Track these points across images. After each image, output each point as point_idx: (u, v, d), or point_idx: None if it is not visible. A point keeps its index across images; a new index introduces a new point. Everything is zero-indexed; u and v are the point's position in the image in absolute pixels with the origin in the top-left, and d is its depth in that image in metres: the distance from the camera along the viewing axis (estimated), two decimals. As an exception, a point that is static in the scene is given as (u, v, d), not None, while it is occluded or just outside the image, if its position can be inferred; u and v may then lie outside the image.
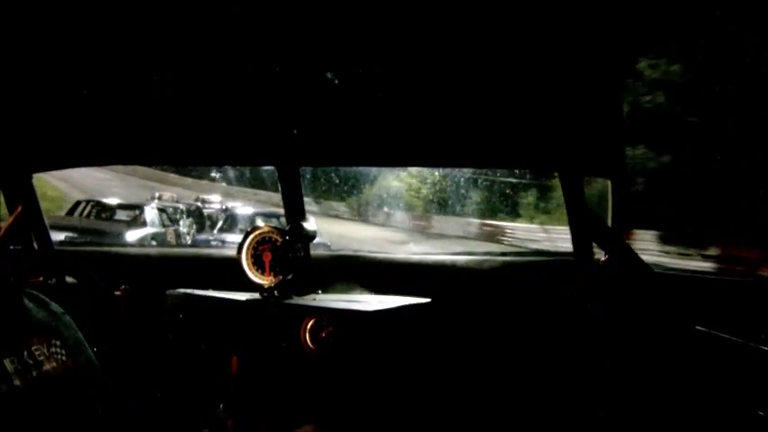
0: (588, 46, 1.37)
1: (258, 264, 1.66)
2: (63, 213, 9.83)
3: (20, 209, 1.82)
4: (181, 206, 12.13)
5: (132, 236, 8.50)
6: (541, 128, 1.60)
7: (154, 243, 8.83)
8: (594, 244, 1.71)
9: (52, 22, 1.32)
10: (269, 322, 1.58)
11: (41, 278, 1.58)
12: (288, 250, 1.65)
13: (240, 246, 1.67)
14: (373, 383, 1.58)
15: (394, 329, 1.59)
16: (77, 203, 9.63)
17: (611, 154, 1.64)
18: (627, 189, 1.74)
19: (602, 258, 1.74)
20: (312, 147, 1.74)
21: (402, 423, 1.59)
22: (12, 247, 1.87)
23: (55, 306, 1.25)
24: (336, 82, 1.59)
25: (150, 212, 9.47)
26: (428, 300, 1.69)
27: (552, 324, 1.69)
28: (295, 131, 1.68)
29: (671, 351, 1.49)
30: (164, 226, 9.71)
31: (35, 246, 1.87)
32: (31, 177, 1.83)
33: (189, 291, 1.70)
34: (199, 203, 14.49)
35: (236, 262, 1.66)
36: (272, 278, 1.65)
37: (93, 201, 9.82)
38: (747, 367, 1.31)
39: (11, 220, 1.82)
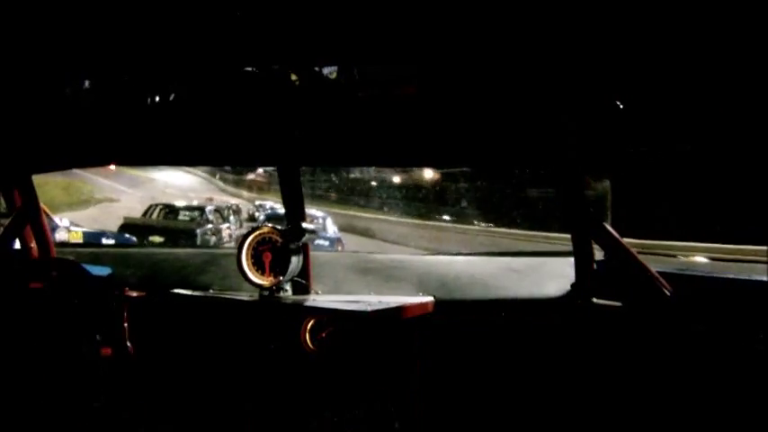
0: (589, 45, 1.37)
1: (258, 264, 1.66)
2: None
3: (19, 209, 1.82)
4: (231, 206, 14.41)
5: (198, 232, 10.40)
6: (541, 128, 1.60)
7: (214, 238, 10.81)
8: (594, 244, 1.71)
9: (52, 22, 1.32)
10: (269, 322, 1.58)
11: (41, 279, 1.58)
12: (288, 250, 1.65)
13: (240, 246, 1.67)
14: (373, 383, 1.58)
15: (394, 329, 1.59)
16: (150, 206, 11.55)
17: (610, 154, 1.64)
18: (627, 189, 1.74)
19: (602, 258, 1.74)
20: (312, 147, 1.74)
21: (402, 423, 1.59)
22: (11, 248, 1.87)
23: None
24: (336, 82, 1.59)
25: (209, 212, 11.50)
26: (428, 299, 1.69)
27: (552, 324, 1.69)
28: (295, 132, 1.68)
29: (672, 352, 1.49)
30: (219, 223, 11.62)
31: (35, 246, 1.86)
32: (31, 177, 1.83)
33: (190, 291, 1.70)
34: (237, 203, 16.40)
35: (236, 261, 1.66)
36: (271, 278, 1.65)
37: (161, 204, 11.74)
38: (751, 369, 1.32)
39: (10, 220, 1.82)
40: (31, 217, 1.83)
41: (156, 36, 1.38)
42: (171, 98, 1.66)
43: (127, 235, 9.34)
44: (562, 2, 1.15)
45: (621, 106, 1.42)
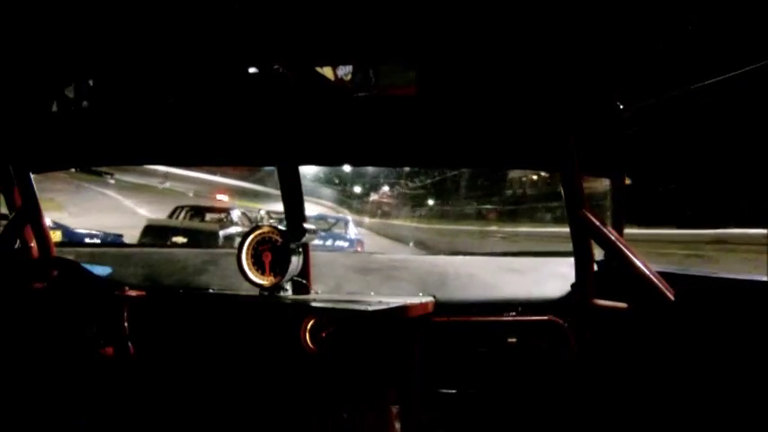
0: (589, 45, 1.37)
1: (258, 264, 1.66)
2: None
3: (19, 209, 1.82)
4: (260, 211, 14.53)
5: (223, 233, 10.43)
6: (541, 128, 1.60)
7: (237, 239, 10.29)
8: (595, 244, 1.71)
9: (52, 22, 1.32)
10: (269, 322, 1.58)
11: (41, 279, 1.58)
12: (288, 250, 1.65)
13: (240, 246, 1.67)
14: (373, 383, 1.58)
15: (394, 329, 1.59)
16: (176, 209, 11.58)
17: (611, 154, 1.64)
18: (627, 189, 1.74)
19: (602, 258, 1.74)
20: (312, 147, 1.74)
21: (402, 422, 1.59)
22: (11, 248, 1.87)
23: None
24: (336, 81, 1.59)
25: (235, 215, 11.69)
26: (428, 299, 1.69)
27: (552, 324, 1.69)
28: (295, 131, 1.68)
29: (672, 352, 1.48)
30: (245, 226, 11.74)
31: (35, 246, 1.86)
32: (31, 177, 1.83)
33: (190, 291, 1.70)
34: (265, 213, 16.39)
35: (236, 261, 1.66)
36: (271, 278, 1.65)
37: (187, 206, 11.73)
38: (751, 369, 1.31)
39: (10, 220, 1.82)
40: (31, 217, 1.83)
41: (157, 36, 1.38)
42: (171, 98, 1.66)
43: (113, 233, 9.30)
44: (562, 2, 1.15)
45: (621, 106, 1.42)
